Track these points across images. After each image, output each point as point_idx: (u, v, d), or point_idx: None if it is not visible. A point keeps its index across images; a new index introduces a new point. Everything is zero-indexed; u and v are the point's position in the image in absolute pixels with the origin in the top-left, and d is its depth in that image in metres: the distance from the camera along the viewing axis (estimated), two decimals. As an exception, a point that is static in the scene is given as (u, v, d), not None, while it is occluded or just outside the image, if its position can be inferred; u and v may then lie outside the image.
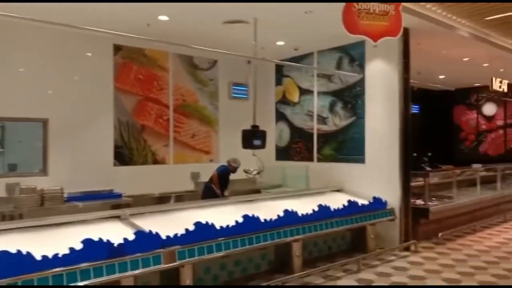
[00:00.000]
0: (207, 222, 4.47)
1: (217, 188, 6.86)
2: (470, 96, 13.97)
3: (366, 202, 6.41)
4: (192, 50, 7.72)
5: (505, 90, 9.34)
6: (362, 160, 7.15)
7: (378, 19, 4.20)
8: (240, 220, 4.77)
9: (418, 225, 7.10)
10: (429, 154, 13.79)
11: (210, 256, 4.40)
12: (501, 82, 9.15)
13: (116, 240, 3.94)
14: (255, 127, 6.07)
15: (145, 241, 4.04)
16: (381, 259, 6.06)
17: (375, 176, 6.93)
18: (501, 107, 13.30)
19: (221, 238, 4.50)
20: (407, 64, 6.77)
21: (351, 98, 7.37)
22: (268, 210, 5.47)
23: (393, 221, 6.61)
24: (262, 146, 6.08)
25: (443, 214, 7.51)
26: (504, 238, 7.37)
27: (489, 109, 13.58)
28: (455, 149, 14.30)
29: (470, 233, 7.80)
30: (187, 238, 4.29)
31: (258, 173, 6.88)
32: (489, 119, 13.60)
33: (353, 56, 7.33)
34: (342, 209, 5.98)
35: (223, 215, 5.08)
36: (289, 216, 5.25)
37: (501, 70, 10.02)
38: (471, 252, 6.44)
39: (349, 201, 6.15)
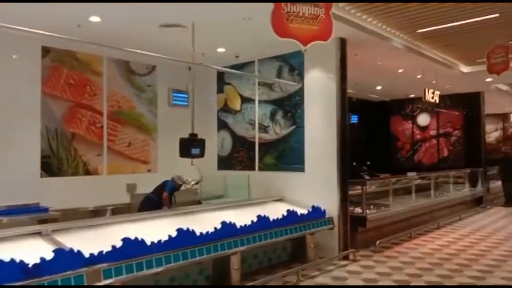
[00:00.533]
0: (136, 238, 4.17)
1: (168, 207, 6.58)
2: (405, 107, 14.62)
3: (305, 211, 6.38)
4: (129, 54, 7.37)
5: (437, 101, 9.80)
6: (302, 169, 7.14)
7: (308, 23, 4.17)
8: (174, 234, 4.51)
9: (356, 233, 7.18)
10: (368, 163, 14.22)
11: (140, 274, 4.09)
12: (433, 93, 9.59)
13: (32, 260, 3.55)
14: (193, 135, 5.84)
15: (65, 260, 3.67)
16: (320, 269, 6.02)
17: (315, 185, 6.93)
18: (434, 118, 14.02)
19: (152, 254, 4.21)
20: (344, 74, 6.86)
21: (291, 107, 7.36)
22: (207, 222, 5.25)
23: (332, 230, 6.62)
24: (201, 155, 5.86)
25: (380, 222, 7.67)
26: (437, 245, 7.63)
27: (423, 119, 14.28)
28: (392, 158, 14.87)
29: (406, 240, 8.02)
30: (114, 255, 3.96)
31: (197, 183, 6.66)
32: (423, 129, 14.30)
33: (293, 65, 7.34)
34: (281, 219, 5.88)
35: (158, 228, 4.80)
36: (227, 228, 5.06)
37: (433, 82, 10.52)
38: (406, 260, 6.59)
39: (288, 211, 6.07)
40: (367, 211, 7.54)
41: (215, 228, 4.95)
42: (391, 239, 7.77)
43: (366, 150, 14.67)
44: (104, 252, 3.92)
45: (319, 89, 7.03)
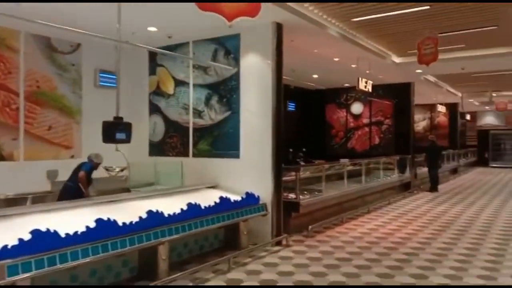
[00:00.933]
0: (48, 230, 3.78)
1: (85, 188, 6.11)
2: (340, 95, 14.98)
3: (239, 198, 6.24)
4: (50, 30, 6.73)
5: (370, 90, 10.07)
6: (237, 155, 6.98)
7: (234, -3, 3.93)
8: (93, 225, 4.16)
9: (289, 218, 7.20)
10: (304, 149, 14.43)
11: (52, 269, 3.72)
12: (366, 82, 9.84)
13: None
14: (118, 118, 5.43)
15: (-40, 257, 3.24)
16: (252, 256, 5.94)
17: (249, 171, 6.82)
18: (367, 107, 14.50)
19: (67, 247, 3.84)
20: (280, 60, 6.76)
21: (226, 91, 7.15)
22: (134, 211, 4.93)
23: (266, 216, 6.56)
24: (127, 140, 5.46)
25: (313, 207, 7.76)
26: (367, 229, 7.87)
27: (356, 108, 14.71)
28: (326, 145, 15.22)
29: (338, 224, 8.19)
30: (22, 249, 3.56)
31: (122, 170, 6.26)
32: (356, 117, 14.75)
33: (229, 48, 7.11)
34: (213, 206, 5.71)
35: (78, 219, 4.41)
36: (153, 218, 4.79)
37: (367, 71, 10.79)
38: (337, 244, 6.70)
39: (221, 198, 5.90)
40: (301, 196, 7.59)
41: (140, 218, 4.65)
42: (324, 223, 7.90)
43: (302, 137, 14.88)
44: (9, 247, 3.51)
45: (255, 75, 6.87)
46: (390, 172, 12.70)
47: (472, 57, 9.78)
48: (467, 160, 23.71)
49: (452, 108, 21.08)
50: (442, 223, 8.40)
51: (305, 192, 8.13)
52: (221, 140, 7.21)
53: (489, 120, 26.50)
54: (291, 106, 14.30)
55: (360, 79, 9.57)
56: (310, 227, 7.27)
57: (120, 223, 4.42)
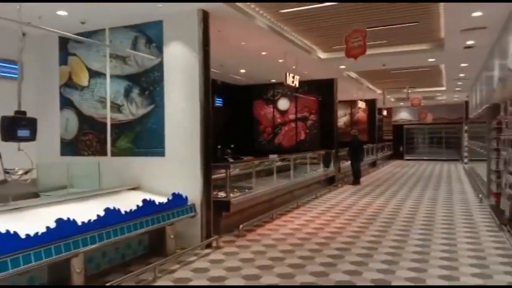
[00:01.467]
0: None
1: None
2: (267, 91, 14.92)
3: (164, 200, 5.75)
4: None
5: (297, 85, 10.04)
6: (161, 153, 6.47)
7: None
8: (-14, 239, 3.47)
9: (220, 218, 6.86)
10: (232, 146, 14.19)
11: None
12: (293, 77, 9.78)
13: None
14: (20, 113, 4.68)
15: None
16: (181, 262, 5.50)
17: (176, 170, 6.34)
18: (293, 102, 14.59)
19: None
20: (207, 51, 6.36)
21: (148, 83, 6.59)
22: (42, 219, 4.25)
23: (194, 218, 6.14)
24: (31, 138, 4.74)
25: (244, 205, 7.49)
26: (297, 224, 7.77)
27: (283, 104, 14.75)
28: (255, 141, 15.09)
29: (268, 221, 8.01)
30: None
31: (26, 173, 5.46)
32: (283, 113, 14.79)
33: (150, 36, 6.56)
34: (135, 210, 5.16)
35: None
36: (65, 227, 4.15)
37: (294, 67, 10.76)
38: (269, 242, 6.49)
39: (144, 201, 5.37)
40: (231, 195, 7.28)
41: (48, 228, 4.00)
42: (255, 221, 7.67)
43: (230, 133, 14.61)
44: None
45: (180, 66, 6.39)
46: (316, 167, 12.89)
47: (393, 53, 10.16)
48: (384, 153, 25.12)
49: (371, 104, 22.11)
50: (368, 216, 8.58)
51: (236, 190, 7.84)
52: (143, 137, 6.64)
53: (403, 115, 28.34)
54: (218, 102, 13.95)
55: (287, 74, 9.48)
56: (241, 226, 6.99)
57: (23, 235, 3.75)
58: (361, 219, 8.22)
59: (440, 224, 7.64)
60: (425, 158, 26.81)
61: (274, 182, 9.09)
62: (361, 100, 18.31)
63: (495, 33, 7.81)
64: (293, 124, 14.62)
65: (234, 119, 14.82)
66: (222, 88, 13.79)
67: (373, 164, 20.98)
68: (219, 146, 13.38)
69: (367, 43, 6.97)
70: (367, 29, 7.28)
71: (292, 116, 14.65)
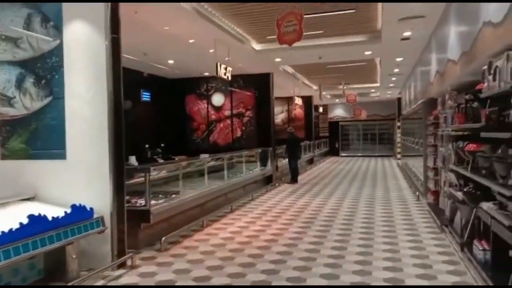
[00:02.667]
0: None
1: None
2: (200, 85, 13.97)
3: (61, 214, 4.66)
4: None
5: (229, 78, 9.22)
6: (62, 156, 5.33)
7: None
8: None
9: (138, 231, 5.88)
10: (162, 145, 13.10)
11: None
12: (226, 69, 8.96)
13: None
14: None
15: None
16: (83, 289, 4.48)
17: (80, 176, 5.25)
18: (228, 98, 13.77)
19: None
20: (117, 31, 5.30)
21: (45, 71, 5.42)
22: None
23: (104, 233, 5.09)
24: None
25: (168, 213, 6.55)
26: (230, 232, 6.97)
27: (217, 99, 13.88)
28: (188, 139, 14.09)
29: (198, 230, 7.13)
30: None
31: None
32: (218, 109, 13.92)
33: (47, 14, 5.39)
34: (20, 229, 4.05)
35: None
36: None
37: (227, 58, 9.92)
38: (196, 257, 5.61)
39: (30, 217, 4.25)
40: (153, 202, 6.31)
41: None
42: (182, 231, 6.74)
43: (160, 131, 13.48)
44: None
45: (84, 50, 5.29)
46: (252, 166, 12.21)
47: (330, 45, 9.67)
48: (320, 150, 25.13)
49: (308, 100, 21.91)
50: (306, 219, 7.99)
51: (160, 196, 6.88)
52: (40, 136, 5.46)
53: (338, 112, 28.61)
54: (145, 96, 12.76)
55: (218, 64, 8.62)
56: (163, 238, 6.03)
57: None
58: (299, 223, 7.60)
59: (380, 227, 7.21)
60: (360, 154, 27.25)
61: (205, 185, 8.21)
62: (298, 96, 17.90)
63: (433, 23, 7.52)
64: (228, 121, 13.81)
65: (164, 116, 13.70)
66: (150, 81, 12.63)
67: (311, 161, 20.78)
68: (147, 146, 12.24)
69: (304, 33, 6.30)
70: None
71: (227, 112, 13.83)
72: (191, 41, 8.59)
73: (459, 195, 5.71)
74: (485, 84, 4.38)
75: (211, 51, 9.23)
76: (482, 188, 4.80)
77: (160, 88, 13.47)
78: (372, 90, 21.06)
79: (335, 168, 19.10)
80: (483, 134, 4.49)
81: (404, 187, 12.29)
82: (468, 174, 5.27)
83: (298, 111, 22.62)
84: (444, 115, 7.55)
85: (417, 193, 10.16)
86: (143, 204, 6.07)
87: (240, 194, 10.19)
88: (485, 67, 4.15)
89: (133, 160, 10.41)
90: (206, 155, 8.70)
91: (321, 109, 27.26)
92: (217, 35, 8.21)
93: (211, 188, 8.28)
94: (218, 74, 8.58)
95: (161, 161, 11.39)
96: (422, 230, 6.91)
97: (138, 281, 4.74)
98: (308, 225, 7.44)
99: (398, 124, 22.04)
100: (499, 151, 3.92)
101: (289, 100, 21.05)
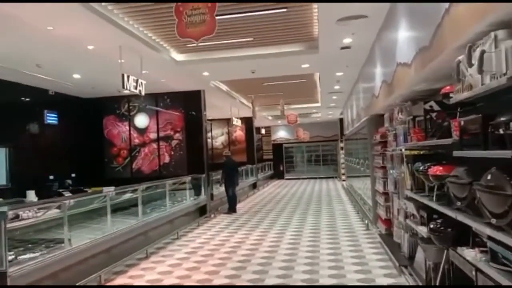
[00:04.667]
0: None
1: None
2: (120, 105, 12.19)
3: None
4: None
5: (143, 92, 7.60)
6: None
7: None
8: None
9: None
10: (73, 175, 11.14)
11: None
12: (137, 82, 7.36)
13: None
14: None
15: None
16: None
17: None
18: (153, 119, 12.11)
19: None
20: None
21: None
22: None
23: None
24: None
25: (44, 271, 4.77)
26: (134, 290, 5.30)
27: (141, 120, 12.16)
28: (106, 167, 12.18)
29: (93, 288, 5.39)
30: None
31: None
32: (142, 132, 12.19)
33: None
34: None
35: None
36: None
37: (145, 72, 8.37)
38: None
39: None
40: (19, 257, 4.55)
41: None
42: (66, 294, 4.98)
43: (72, 158, 11.49)
44: None
45: None
46: (183, 196, 10.58)
47: (261, 56, 8.40)
48: (265, 174, 23.92)
49: (248, 122, 20.67)
50: (241, 257, 6.57)
51: (43, 247, 5.12)
52: None
53: (282, 134, 27.68)
54: (51, 118, 10.77)
55: (125, 76, 7.01)
56: (26, 313, 4.26)
57: None
58: (232, 264, 6.12)
59: (327, 268, 5.86)
60: (304, 176, 26.33)
61: (108, 228, 6.45)
62: (236, 117, 16.55)
63: (377, 25, 6.47)
64: (154, 145, 12.10)
65: (76, 141, 11.72)
66: (58, 101, 10.70)
67: (254, 186, 19.42)
68: (51, 177, 10.25)
69: (232, 41, 4.95)
70: (223, 17, 5.31)
71: (153, 135, 12.12)
72: (90, 47, 6.95)
73: (423, 231, 4.49)
74: (457, 86, 3.20)
75: (120, 61, 7.64)
76: (455, 224, 3.59)
77: (71, 108, 11.55)
78: (314, 111, 20.27)
79: (279, 193, 17.83)
80: (456, 153, 3.28)
81: (351, 212, 11.16)
82: (434, 205, 4.05)
83: (239, 133, 21.31)
84: (394, 132, 6.46)
85: (366, 221, 9.00)
86: (-3, 264, 4.26)
87: (164, 232, 8.49)
88: (461, 57, 2.95)
89: (31, 195, 8.54)
90: (111, 188, 6.96)
91: (263, 131, 26.20)
92: (122, 40, 6.67)
93: (116, 230, 6.53)
94: (126, 87, 6.97)
95: (67, 195, 9.50)
96: (377, 271, 5.64)
97: None
98: (242, 266, 6.02)
99: (341, 145, 21.36)
100: (488, 177, 2.68)
101: (228, 121, 19.67)
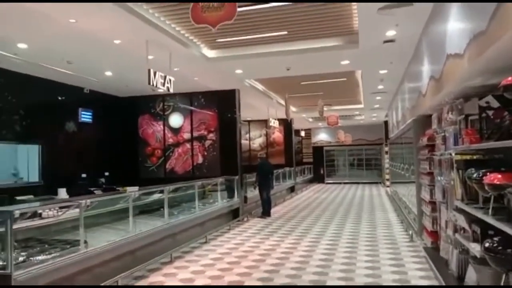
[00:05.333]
0: None
1: None
2: (156, 104, 12.06)
3: None
4: None
5: (171, 90, 7.28)
6: None
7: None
8: None
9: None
10: (106, 174, 11.08)
11: None
12: (165, 78, 7.05)
13: None
14: None
15: None
16: None
17: None
18: (188, 118, 11.87)
19: None
20: None
21: None
22: None
23: None
24: None
25: (57, 274, 4.52)
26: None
27: (175, 120, 11.97)
28: (140, 166, 12.07)
29: (109, 294, 5.09)
30: None
31: None
32: (176, 131, 11.99)
33: None
34: None
35: None
36: None
37: (176, 69, 8.10)
38: None
39: None
40: (32, 258, 4.32)
41: None
42: (79, 301, 4.70)
43: (106, 157, 11.48)
44: None
45: None
46: (214, 198, 10.25)
47: (297, 51, 7.85)
48: (304, 177, 23.25)
49: (286, 123, 20.14)
50: (269, 267, 6.08)
51: (58, 248, 4.90)
52: None
53: (322, 136, 26.88)
54: (85, 116, 10.78)
55: (151, 72, 6.73)
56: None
57: None
58: (257, 275, 5.68)
59: (363, 284, 5.24)
60: (346, 181, 25.38)
61: (130, 230, 6.16)
62: (274, 118, 16.07)
63: (425, 15, 5.77)
64: (188, 145, 11.86)
65: (111, 139, 11.71)
66: (93, 99, 10.70)
67: (292, 189, 18.86)
68: (83, 175, 10.22)
69: (264, 36, 4.47)
70: (253, 8, 4.85)
71: (187, 135, 11.89)
72: (116, 41, 6.74)
73: (475, 249, 3.82)
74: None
75: (150, 57, 7.39)
76: (518, 245, 2.94)
77: (106, 107, 11.54)
78: (356, 113, 19.39)
79: (318, 197, 17.15)
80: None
81: (394, 221, 10.36)
82: (490, 220, 3.39)
83: (277, 135, 20.80)
84: (442, 134, 5.74)
85: (411, 232, 8.22)
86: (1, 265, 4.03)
87: (193, 235, 8.17)
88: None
89: (63, 193, 8.46)
90: (135, 188, 6.68)
91: (303, 133, 25.53)
92: (149, 35, 6.39)
93: (138, 232, 6.23)
94: (152, 83, 6.69)
95: (97, 192, 9.42)
96: (420, 292, 4.97)
97: None
98: (269, 277, 5.54)
99: (386, 149, 20.33)
100: None
101: (266, 123, 19.24)
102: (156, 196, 8.10)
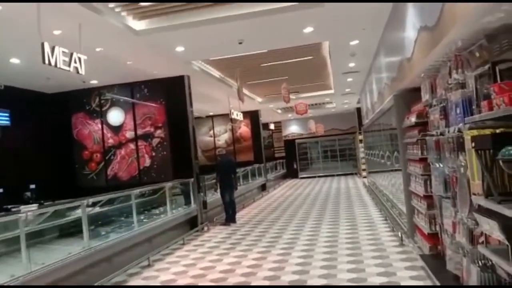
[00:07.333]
0: None
1: None
2: (90, 99, 10.19)
3: None
4: None
5: (82, 72, 5.50)
6: None
7: None
8: None
9: None
10: (32, 186, 9.18)
11: None
12: (71, 56, 5.26)
13: None
14: None
15: None
16: None
17: None
18: (130, 113, 10.05)
19: None
20: None
21: None
22: None
23: None
24: None
25: None
26: None
27: (115, 116, 10.12)
28: (77, 174, 10.19)
29: None
30: None
31: None
32: (117, 130, 10.15)
33: None
34: None
35: None
36: None
37: (99, 49, 6.33)
38: None
39: None
40: None
41: None
42: None
43: (32, 166, 9.53)
44: None
45: None
46: (171, 204, 8.59)
47: (248, 14, 6.17)
48: (276, 173, 21.75)
49: (253, 116, 18.54)
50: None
51: None
52: None
53: (293, 129, 25.43)
54: (2, 118, 8.80)
55: (45, 45, 4.91)
56: None
57: None
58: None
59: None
60: (321, 174, 24.03)
61: (24, 265, 4.39)
62: (236, 111, 14.39)
63: None
64: (132, 146, 10.04)
65: (38, 145, 9.77)
66: (9, 97, 8.75)
67: (263, 188, 17.29)
68: (0, 190, 8.31)
69: None
70: None
71: (129, 134, 10.07)
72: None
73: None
74: None
75: (56, 32, 5.60)
76: None
77: (30, 106, 9.59)
78: (327, 99, 17.96)
79: (291, 195, 15.63)
80: None
81: (376, 219, 8.89)
82: None
83: (244, 130, 19.14)
84: (442, 104, 4.23)
85: (399, 233, 6.74)
86: None
87: (133, 257, 6.45)
88: None
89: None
90: (33, 206, 4.92)
91: (272, 126, 23.99)
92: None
93: (36, 268, 4.47)
94: (49, 62, 4.90)
95: (22, 209, 7.56)
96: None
97: None
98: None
99: (360, 137, 19.04)
100: None
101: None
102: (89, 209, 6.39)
